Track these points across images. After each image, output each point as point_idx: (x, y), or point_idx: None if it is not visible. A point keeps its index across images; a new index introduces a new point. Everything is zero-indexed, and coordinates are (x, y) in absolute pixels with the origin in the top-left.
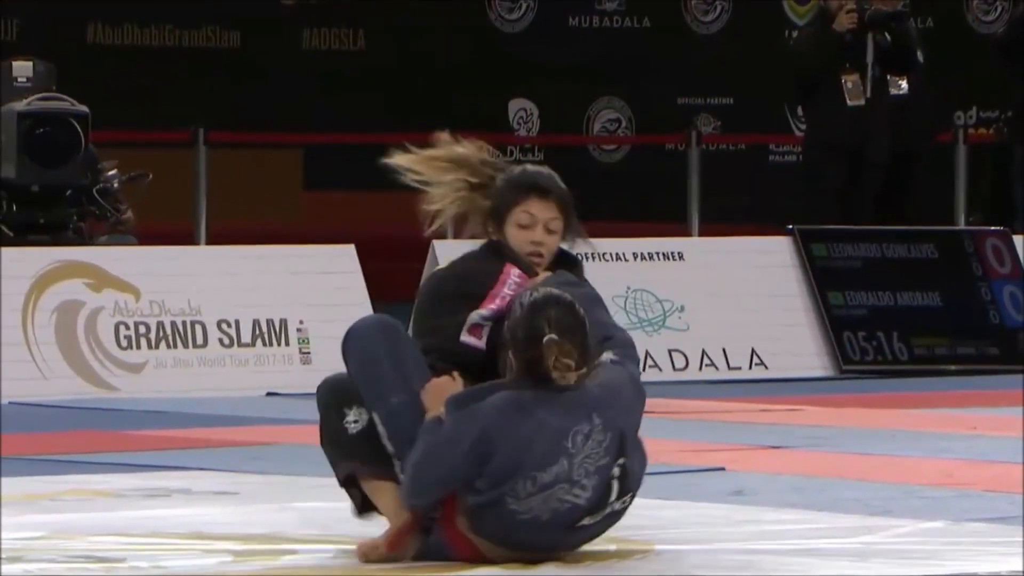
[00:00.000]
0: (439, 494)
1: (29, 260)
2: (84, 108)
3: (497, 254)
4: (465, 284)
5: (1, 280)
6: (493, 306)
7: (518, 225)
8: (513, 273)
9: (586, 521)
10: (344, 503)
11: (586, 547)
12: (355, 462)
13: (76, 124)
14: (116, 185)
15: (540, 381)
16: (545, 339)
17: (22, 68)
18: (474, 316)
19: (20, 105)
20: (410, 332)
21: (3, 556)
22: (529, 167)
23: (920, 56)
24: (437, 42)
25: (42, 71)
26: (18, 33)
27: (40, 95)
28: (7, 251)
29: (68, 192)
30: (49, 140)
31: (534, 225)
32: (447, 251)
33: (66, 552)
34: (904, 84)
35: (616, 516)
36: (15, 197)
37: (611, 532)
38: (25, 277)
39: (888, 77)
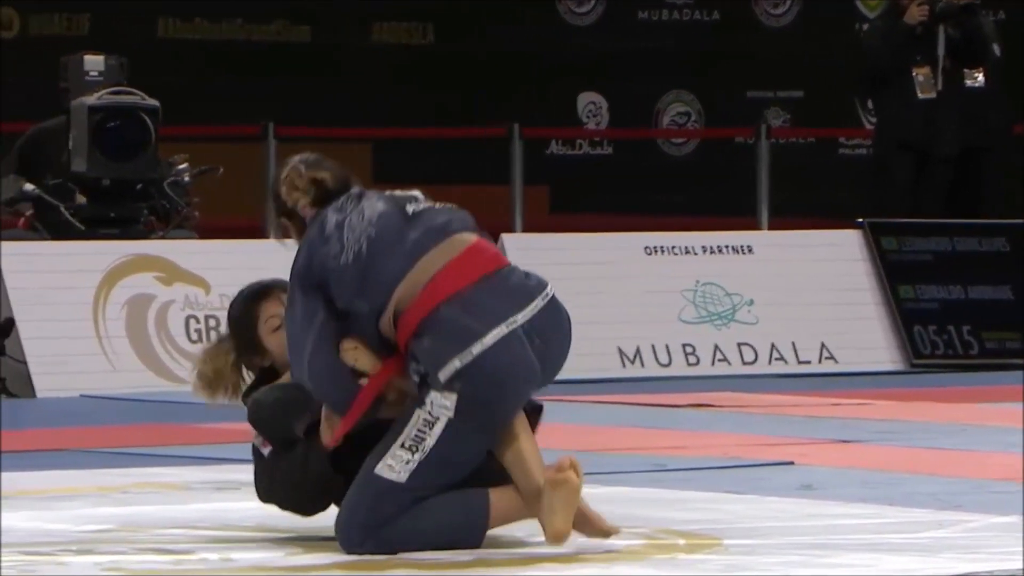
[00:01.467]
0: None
1: (100, 254)
2: (154, 102)
3: (272, 378)
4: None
5: (71, 274)
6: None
7: (272, 331)
8: None
9: (410, 208)
10: None
11: (655, 540)
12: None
13: (146, 118)
14: (187, 179)
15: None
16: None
17: (94, 62)
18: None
19: (91, 99)
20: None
21: (74, 548)
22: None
23: (996, 49)
24: (507, 35)
25: (114, 65)
26: (90, 27)
27: (110, 89)
28: (79, 245)
29: (139, 186)
30: (119, 134)
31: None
32: (516, 245)
33: (136, 544)
34: (980, 77)
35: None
36: (86, 191)
37: (679, 526)
38: (96, 271)
39: (964, 70)
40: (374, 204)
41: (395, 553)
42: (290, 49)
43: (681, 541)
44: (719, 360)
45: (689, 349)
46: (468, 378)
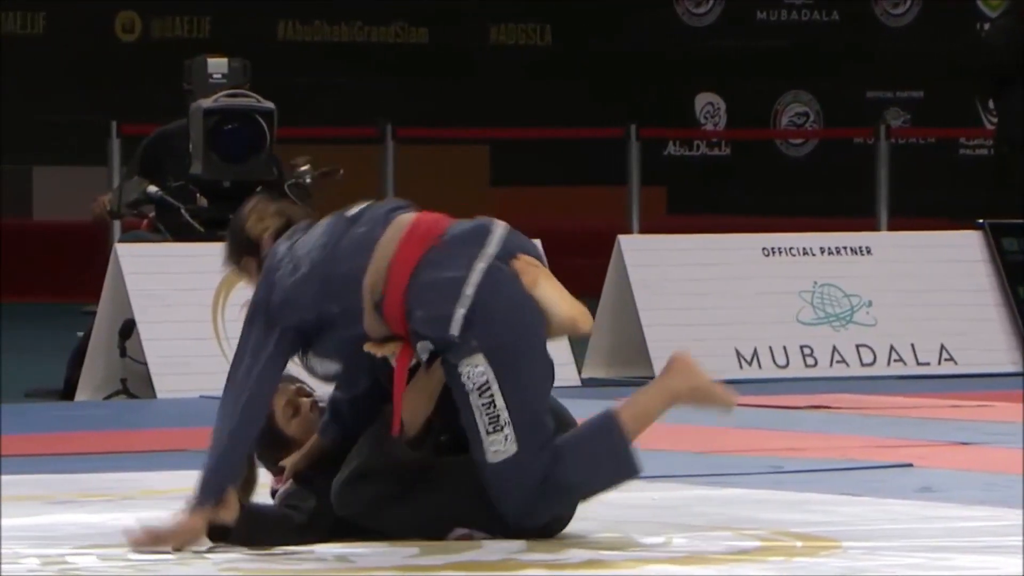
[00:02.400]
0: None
1: (220, 255)
2: (270, 104)
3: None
4: None
5: (191, 275)
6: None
7: (290, 419)
8: None
9: (350, 212)
10: None
11: (772, 542)
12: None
13: (261, 121)
14: (308, 181)
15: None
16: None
17: (217, 64)
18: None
19: (207, 102)
20: None
21: (193, 548)
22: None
23: None
24: (624, 36)
25: (237, 67)
26: (210, 30)
27: (227, 92)
28: (198, 246)
29: (258, 188)
30: (234, 137)
31: (299, 404)
32: (633, 246)
33: (261, 556)
34: None
35: None
36: (207, 193)
37: (796, 528)
38: (216, 272)
39: None
40: (318, 223)
41: (570, 502)
42: (409, 50)
43: (799, 543)
44: (837, 362)
45: (807, 351)
46: (479, 327)
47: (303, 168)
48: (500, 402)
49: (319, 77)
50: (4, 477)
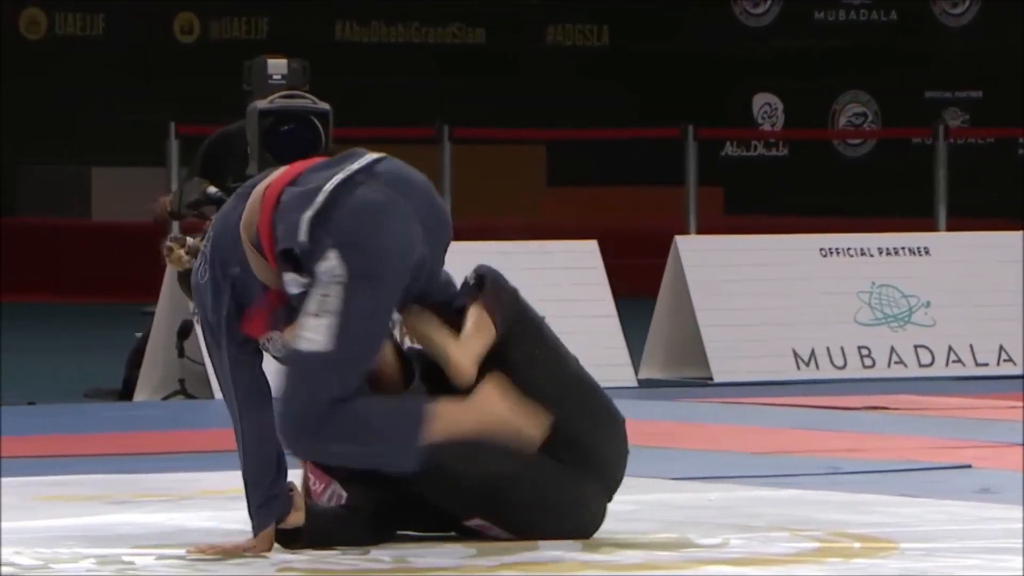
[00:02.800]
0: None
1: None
2: (325, 105)
3: None
4: None
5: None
6: None
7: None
8: None
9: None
10: None
11: (830, 543)
12: None
13: (317, 122)
14: None
15: None
16: None
17: (277, 65)
18: None
19: (263, 103)
20: None
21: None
22: None
23: None
24: (682, 36)
25: (297, 68)
26: (268, 31)
27: (283, 93)
28: None
29: None
30: (290, 138)
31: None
32: (690, 247)
33: (318, 557)
34: None
35: None
36: None
37: (854, 529)
38: None
39: None
40: None
41: (330, 453)
42: (466, 51)
43: (856, 544)
44: (895, 362)
45: (865, 351)
46: (329, 225)
47: None
48: (340, 295)
49: (376, 78)
50: (61, 477)
